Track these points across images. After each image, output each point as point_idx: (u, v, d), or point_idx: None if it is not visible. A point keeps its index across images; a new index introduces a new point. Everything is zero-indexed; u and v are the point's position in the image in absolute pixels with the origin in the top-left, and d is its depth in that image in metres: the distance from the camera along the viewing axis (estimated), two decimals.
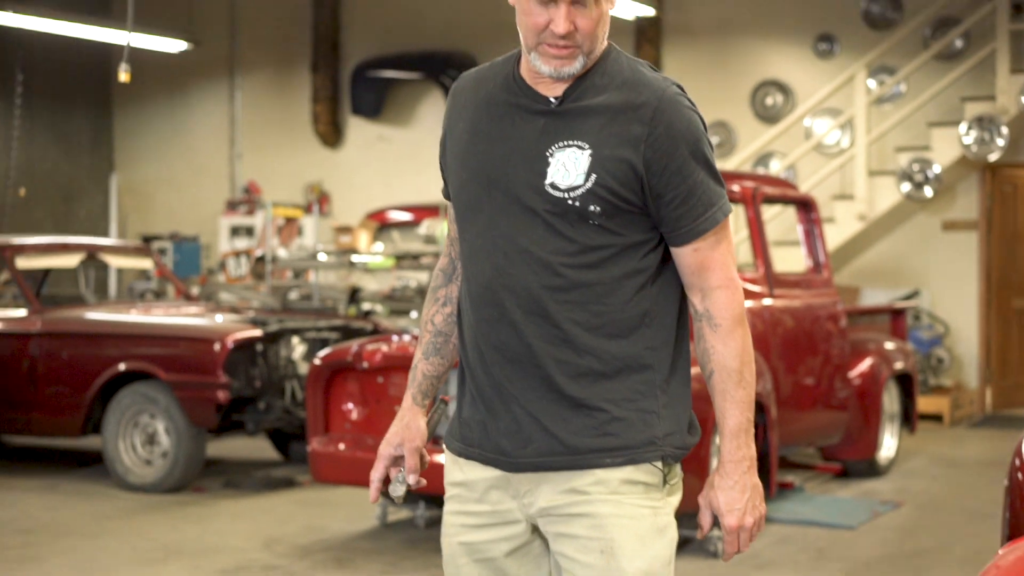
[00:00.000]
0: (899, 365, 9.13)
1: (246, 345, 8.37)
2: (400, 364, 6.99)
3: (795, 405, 8.06)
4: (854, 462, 8.87)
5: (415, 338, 7.28)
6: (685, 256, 2.51)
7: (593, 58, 2.50)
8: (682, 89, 2.54)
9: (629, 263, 2.50)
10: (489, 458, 2.56)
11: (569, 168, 2.47)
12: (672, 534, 2.53)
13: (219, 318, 8.89)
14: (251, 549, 6.76)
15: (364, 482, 6.84)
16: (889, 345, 9.21)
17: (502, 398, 2.54)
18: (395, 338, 7.43)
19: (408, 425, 2.71)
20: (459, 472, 2.62)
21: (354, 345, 7.18)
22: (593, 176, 2.46)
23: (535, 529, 2.55)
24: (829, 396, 8.49)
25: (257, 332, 8.43)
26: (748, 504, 2.50)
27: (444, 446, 2.70)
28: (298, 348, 8.85)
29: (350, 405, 7.14)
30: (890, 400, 9.11)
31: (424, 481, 2.67)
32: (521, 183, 2.51)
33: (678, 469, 2.58)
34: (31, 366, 8.75)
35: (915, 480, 8.90)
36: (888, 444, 9.09)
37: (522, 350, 2.50)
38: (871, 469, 8.89)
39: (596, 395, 2.49)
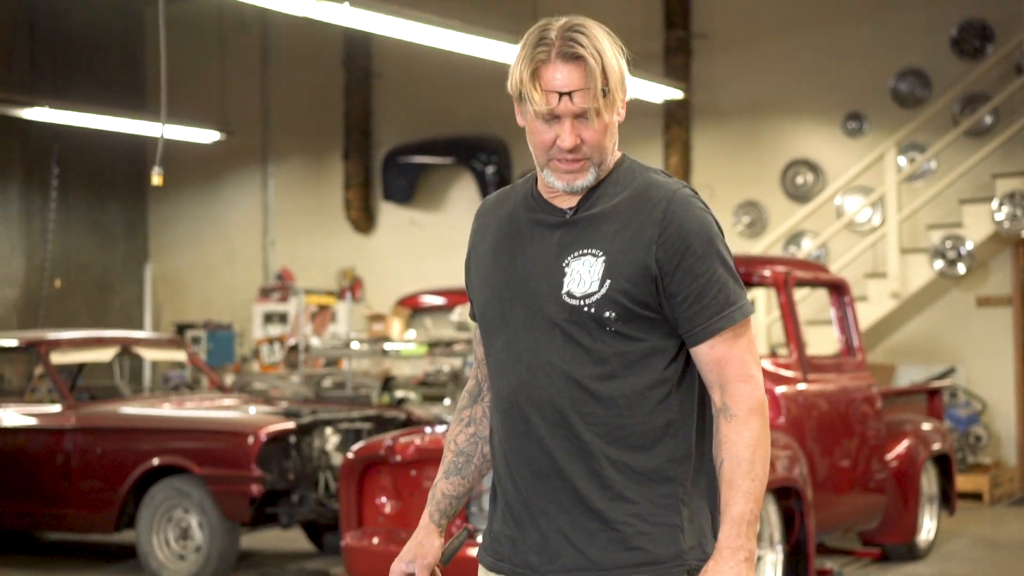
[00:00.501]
0: (937, 446, 9.04)
1: (279, 438, 8.37)
2: (433, 457, 6.96)
3: (832, 489, 7.98)
4: (894, 546, 8.76)
5: (447, 430, 7.26)
6: (703, 354, 2.51)
7: (605, 168, 2.57)
8: (695, 192, 2.58)
9: (651, 374, 2.50)
10: (518, 573, 2.57)
11: (584, 276, 2.51)
12: None
13: (252, 410, 8.90)
14: None
15: None
16: (926, 425, 9.13)
17: (530, 513, 2.55)
18: (428, 430, 7.42)
19: (422, 543, 2.76)
20: None
21: (387, 438, 7.17)
22: (608, 282, 2.49)
23: None
24: (866, 479, 8.40)
25: (290, 424, 8.43)
26: None
27: (478, 558, 2.71)
28: (331, 439, 8.84)
29: (384, 499, 7.11)
30: (928, 481, 9.01)
31: None
32: (541, 296, 2.54)
33: None
34: (65, 461, 8.77)
35: (956, 563, 8.77)
36: (927, 526, 8.98)
37: (547, 464, 2.51)
38: (911, 553, 8.77)
39: (621, 509, 2.49)
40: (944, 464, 9.22)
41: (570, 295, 2.50)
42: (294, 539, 9.92)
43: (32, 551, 9.65)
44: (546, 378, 2.51)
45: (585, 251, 2.52)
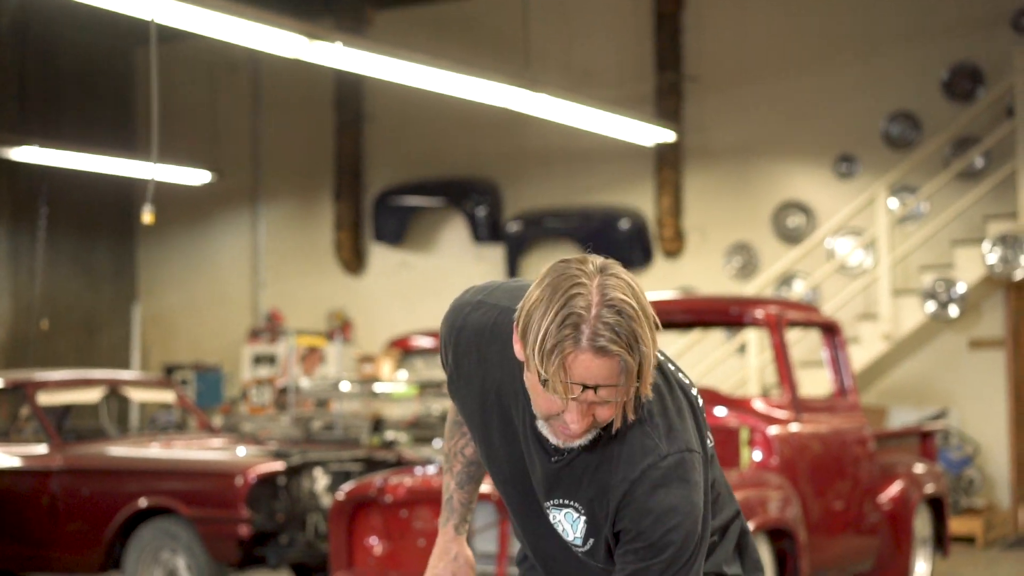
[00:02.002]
0: (930, 488, 8.98)
1: (269, 479, 8.30)
2: (424, 498, 6.92)
3: (824, 531, 7.92)
4: None
5: (439, 471, 7.21)
6: None
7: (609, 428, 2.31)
8: (683, 461, 2.30)
9: None
10: None
11: (567, 528, 2.39)
12: None
13: (241, 451, 8.84)
14: None
15: None
16: (919, 468, 9.07)
17: None
18: (418, 470, 7.37)
19: (456, 558, 2.70)
20: None
21: (377, 479, 7.12)
22: (591, 540, 2.37)
23: None
24: (859, 521, 8.35)
25: (279, 466, 8.36)
26: None
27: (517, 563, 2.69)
28: (321, 480, 8.76)
29: (374, 539, 7.06)
30: (921, 524, 8.94)
31: None
32: (537, 503, 2.44)
33: None
34: (51, 503, 8.69)
35: None
36: (921, 569, 8.91)
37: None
38: None
39: None
40: (937, 506, 9.17)
41: (562, 532, 2.43)
42: None
43: None
44: (547, 544, 2.48)
45: (567, 503, 2.37)
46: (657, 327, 2.21)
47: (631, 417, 2.25)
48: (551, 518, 2.38)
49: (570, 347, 2.13)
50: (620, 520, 2.28)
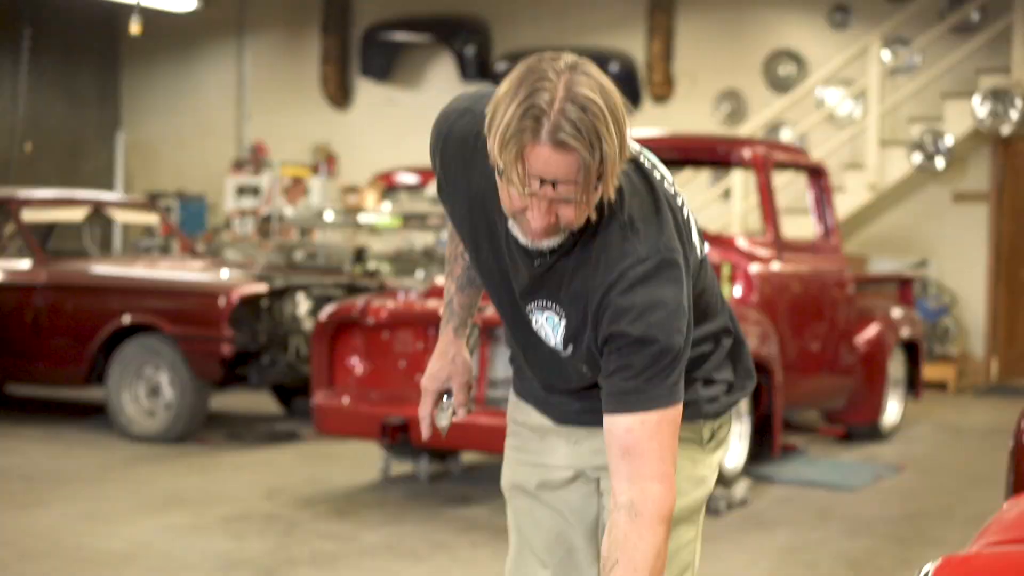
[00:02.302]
0: (905, 332, 9.11)
1: (251, 300, 8.36)
2: (406, 320, 6.97)
3: (800, 369, 8.03)
4: (858, 426, 8.87)
5: (421, 295, 7.26)
6: (615, 434, 2.24)
7: (579, 228, 2.27)
8: (666, 260, 2.28)
9: None
10: (540, 408, 2.58)
11: (548, 332, 2.38)
12: (708, 485, 2.51)
13: (225, 273, 8.88)
14: (253, 499, 6.75)
15: (367, 435, 6.87)
16: (896, 312, 9.18)
17: (548, 401, 2.56)
18: (401, 294, 7.41)
19: (454, 360, 2.70)
20: (521, 413, 2.63)
21: (360, 300, 7.16)
22: (571, 345, 2.36)
23: (586, 477, 2.54)
24: (835, 361, 8.47)
25: (263, 288, 8.41)
26: None
27: (512, 387, 2.69)
28: (303, 304, 8.83)
29: (355, 360, 7.12)
30: (895, 366, 9.08)
31: (473, 407, 2.68)
32: (523, 308, 2.43)
33: (725, 428, 2.54)
34: (35, 318, 8.74)
35: (918, 445, 8.88)
36: (892, 410, 9.08)
37: (554, 392, 2.53)
38: (874, 434, 8.87)
39: None
40: (912, 351, 9.30)
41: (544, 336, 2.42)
42: (263, 402, 9.95)
43: (0, 406, 9.64)
44: (536, 352, 2.46)
45: (548, 305, 2.36)
46: (625, 112, 2.15)
47: (593, 218, 2.22)
48: (534, 322, 2.38)
49: (529, 139, 2.09)
50: (600, 325, 2.27)
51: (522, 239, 2.25)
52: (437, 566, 5.53)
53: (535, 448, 2.58)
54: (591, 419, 2.40)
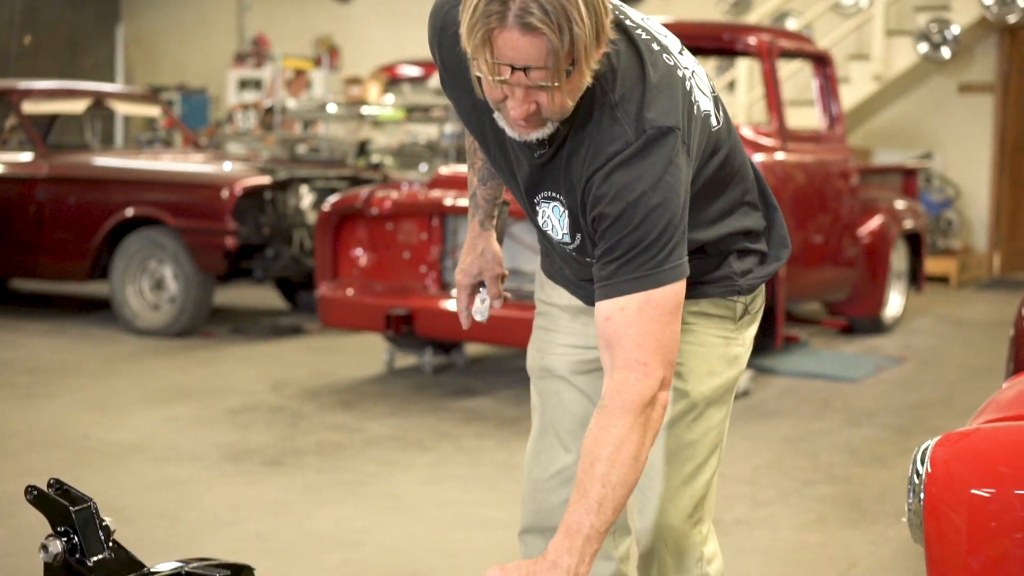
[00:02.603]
0: (908, 224, 9.09)
1: (255, 193, 8.35)
2: (410, 211, 6.97)
3: (803, 260, 8.03)
4: (860, 319, 8.88)
5: (425, 186, 7.24)
6: (599, 319, 2.18)
7: (567, 114, 2.19)
8: (657, 137, 2.18)
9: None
10: (571, 290, 2.54)
11: (555, 224, 2.33)
12: (741, 364, 2.47)
13: (228, 166, 8.85)
14: (258, 392, 6.80)
15: (372, 327, 6.90)
16: (899, 204, 9.16)
17: (578, 285, 2.53)
18: (404, 186, 7.39)
19: (483, 253, 2.68)
20: (550, 293, 2.60)
21: (364, 191, 7.15)
22: (577, 236, 2.31)
23: None
24: (837, 252, 8.46)
25: (266, 180, 8.39)
26: None
27: (539, 266, 2.66)
28: (307, 197, 8.82)
29: (359, 251, 7.13)
30: (898, 259, 9.08)
31: (509, 297, 2.68)
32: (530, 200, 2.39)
33: (759, 300, 2.48)
34: (37, 211, 8.73)
35: (920, 337, 8.92)
36: (894, 302, 9.10)
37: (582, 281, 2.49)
38: (876, 326, 8.90)
39: None
40: (915, 243, 9.29)
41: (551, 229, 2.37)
42: (267, 296, 9.98)
43: (5, 300, 9.68)
44: (552, 243, 2.43)
45: (552, 195, 2.31)
46: (605, 10, 2.08)
47: (576, 103, 2.15)
48: (541, 216, 2.34)
49: (496, 22, 2.02)
50: (587, 210, 2.22)
51: (510, 132, 2.20)
52: (442, 456, 5.59)
53: (566, 328, 2.55)
54: None
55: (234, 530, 4.50)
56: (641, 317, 2.11)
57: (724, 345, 2.41)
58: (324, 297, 7.05)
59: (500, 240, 2.68)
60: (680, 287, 2.15)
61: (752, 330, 2.49)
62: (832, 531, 4.67)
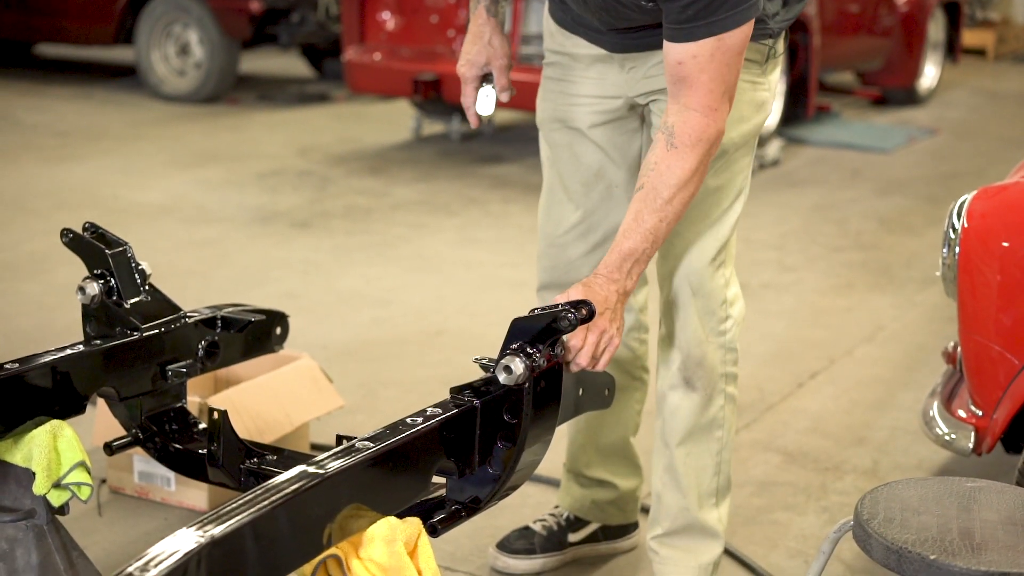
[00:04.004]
0: None
1: None
2: None
3: (838, 29, 7.89)
4: (893, 90, 8.77)
5: None
6: (669, 61, 2.14)
7: None
8: None
9: None
10: (592, 38, 2.42)
11: None
12: (767, 109, 2.43)
13: None
14: (286, 156, 6.79)
15: (399, 92, 6.84)
16: None
17: (602, 32, 2.40)
18: None
19: (490, 42, 2.50)
20: (563, 41, 2.47)
21: None
22: None
23: (633, 107, 2.45)
24: (873, 21, 8.30)
25: None
26: (608, 321, 2.09)
27: (547, 14, 2.51)
28: None
29: (386, 15, 7.01)
30: (935, 29, 8.91)
31: (515, 91, 2.53)
32: None
33: (783, 42, 2.42)
34: None
35: (954, 109, 8.81)
36: (929, 73, 8.96)
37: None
38: (910, 98, 8.78)
39: None
40: (952, 13, 9.10)
41: None
42: (294, 65, 9.89)
43: (30, 65, 9.61)
44: None
45: None
46: None
47: None
48: None
49: None
50: None
51: None
52: (469, 219, 5.60)
53: (581, 77, 2.47)
54: (650, 43, 2.30)
55: (265, 289, 4.55)
56: (713, 63, 2.10)
57: (752, 90, 2.37)
58: (351, 62, 6.97)
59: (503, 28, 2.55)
60: (749, 27, 2.12)
61: (776, 74, 2.46)
62: (859, 296, 4.69)
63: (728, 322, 2.42)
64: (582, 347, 2.03)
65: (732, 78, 2.14)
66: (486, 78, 2.53)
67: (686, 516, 2.47)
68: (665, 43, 2.14)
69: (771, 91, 2.43)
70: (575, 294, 2.04)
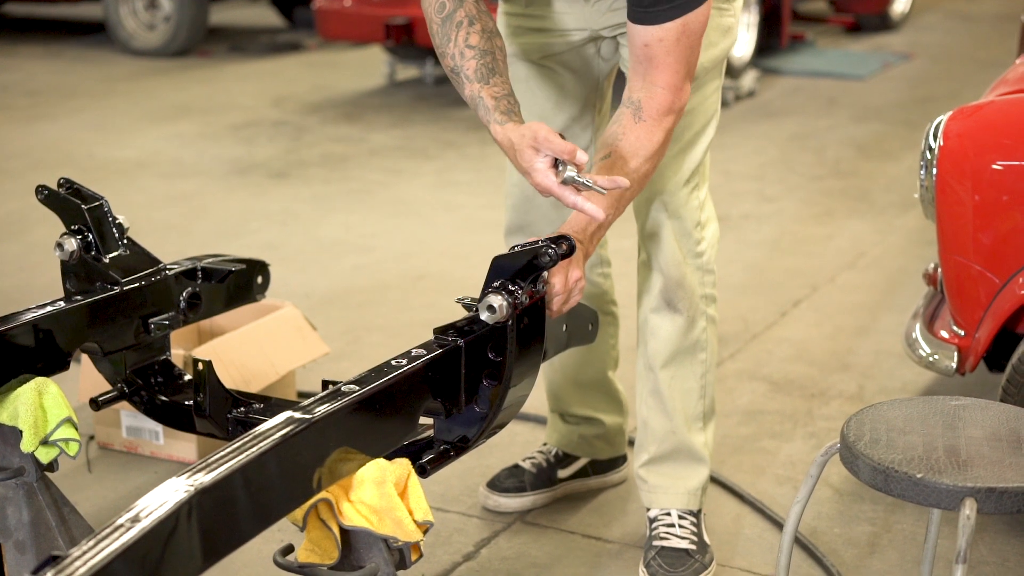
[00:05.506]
0: None
1: None
2: None
3: None
4: (867, 16, 8.74)
5: None
6: (636, 45, 2.15)
7: None
8: None
9: None
10: None
11: None
12: (734, 35, 2.47)
13: None
14: (260, 107, 6.75)
15: (371, 38, 6.80)
16: None
17: None
18: None
19: (524, 133, 2.09)
20: None
21: None
22: None
23: (596, 39, 2.44)
24: None
25: None
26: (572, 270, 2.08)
27: None
28: None
29: None
30: None
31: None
32: None
33: None
34: None
35: (928, 34, 8.79)
36: None
37: None
38: (883, 23, 8.76)
39: None
40: None
41: None
42: (264, 14, 9.82)
43: None
44: None
45: None
46: None
47: None
48: None
49: None
50: None
51: None
52: (447, 163, 5.58)
53: (540, 12, 2.46)
54: None
55: (245, 239, 4.53)
56: (679, 46, 2.14)
57: (719, 16, 2.40)
58: (321, 9, 6.92)
59: None
60: (709, 7, 2.16)
61: (740, 1, 2.47)
62: (839, 223, 4.70)
63: (703, 244, 2.46)
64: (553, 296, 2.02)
65: (695, 58, 2.19)
66: (557, 162, 2.08)
67: (673, 439, 2.49)
68: (629, 24, 2.15)
69: (735, 17, 2.46)
70: None
